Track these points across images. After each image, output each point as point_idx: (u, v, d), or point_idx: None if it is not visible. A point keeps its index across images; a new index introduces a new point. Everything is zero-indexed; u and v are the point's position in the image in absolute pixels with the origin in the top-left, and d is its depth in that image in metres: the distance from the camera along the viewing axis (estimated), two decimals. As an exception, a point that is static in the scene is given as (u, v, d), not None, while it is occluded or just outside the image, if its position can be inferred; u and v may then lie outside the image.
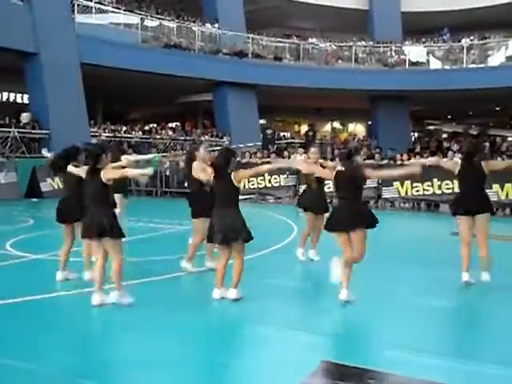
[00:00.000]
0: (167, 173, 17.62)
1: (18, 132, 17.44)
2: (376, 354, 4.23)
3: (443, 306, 5.53)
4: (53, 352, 4.27)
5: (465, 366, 3.99)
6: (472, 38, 24.81)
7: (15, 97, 22.76)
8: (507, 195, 13.70)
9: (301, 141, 26.12)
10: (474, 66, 23.57)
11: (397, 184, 14.32)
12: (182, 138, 22.84)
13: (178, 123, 27.20)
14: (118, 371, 4.01)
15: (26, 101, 20.84)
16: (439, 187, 13.99)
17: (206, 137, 23.10)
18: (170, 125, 26.77)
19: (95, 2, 20.20)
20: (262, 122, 27.04)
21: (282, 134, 29.43)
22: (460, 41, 24.75)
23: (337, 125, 35.79)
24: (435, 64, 24.45)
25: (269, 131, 24.74)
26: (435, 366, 4.00)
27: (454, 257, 6.39)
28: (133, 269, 6.56)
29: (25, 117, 18.63)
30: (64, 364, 4.03)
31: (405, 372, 3.83)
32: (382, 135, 25.07)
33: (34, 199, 15.69)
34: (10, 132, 17.27)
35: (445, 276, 6.48)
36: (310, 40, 26.48)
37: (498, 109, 31.37)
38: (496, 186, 13.73)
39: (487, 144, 24.69)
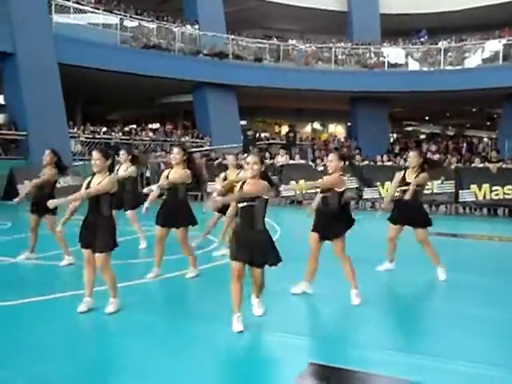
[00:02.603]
0: (148, 174, 17.46)
1: (-5, 133, 17.18)
2: (358, 355, 4.23)
3: (419, 306, 5.57)
4: (30, 359, 4.14)
5: (448, 366, 4.01)
6: (449, 40, 25.09)
7: (-10, 98, 22.38)
8: (485, 196, 13.89)
9: (281, 142, 26.18)
10: (451, 67, 23.85)
11: (378, 185, 14.42)
12: (163, 139, 22.69)
13: (159, 124, 27.03)
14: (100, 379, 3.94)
15: (1, 101, 20.49)
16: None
17: (187, 138, 23.00)
18: (150, 126, 26.58)
19: (73, 2, 19.97)
20: (242, 122, 26.98)
21: (262, 134, 29.45)
22: (438, 43, 25.03)
23: (317, 126, 35.92)
24: (414, 65, 24.68)
25: (249, 132, 24.77)
26: (415, 365, 4.02)
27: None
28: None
29: (0, 118, 18.36)
30: (40, 372, 3.91)
31: (388, 372, 3.85)
32: (362, 136, 25.24)
33: (11, 202, 15.38)
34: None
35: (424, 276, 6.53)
36: (290, 41, 26.53)
37: (474, 110, 31.81)
38: (474, 187, 13.94)
39: (464, 145, 25.06)
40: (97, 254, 5.09)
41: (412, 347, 4.48)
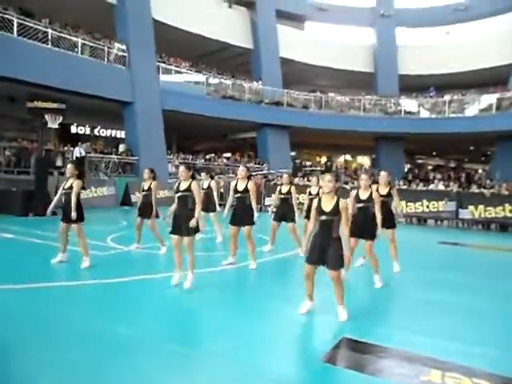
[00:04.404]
0: (221, 190, 17.64)
1: (117, 158, 17.86)
2: (383, 334, 4.10)
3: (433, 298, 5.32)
4: (145, 321, 4.23)
5: (451, 346, 3.81)
6: (452, 94, 24.25)
7: (115, 133, 23.31)
8: (480, 214, 13.26)
9: (321, 168, 25.90)
10: (453, 115, 22.99)
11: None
12: (233, 164, 22.96)
13: (230, 154, 27.34)
14: (196, 338, 3.98)
15: (122, 136, 21.31)
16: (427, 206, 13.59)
17: (251, 164, 23.14)
18: (224, 155, 26.92)
19: (174, 66, 20.69)
20: (292, 153, 26.89)
21: (307, 163, 29.20)
22: (443, 96, 24.23)
23: (348, 157, 35.31)
24: (424, 113, 23.97)
25: (297, 161, 24.60)
26: (429, 344, 3.85)
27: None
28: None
29: (121, 147, 19.10)
30: (154, 330, 3.98)
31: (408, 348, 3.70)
32: (383, 166, 24.49)
33: (126, 207, 15.96)
34: (111, 158, 17.72)
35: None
36: (330, 94, 26.34)
37: (471, 148, 30.44)
38: (471, 207, 13.33)
39: (463, 175, 23.97)
40: (185, 238, 5.26)
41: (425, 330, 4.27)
